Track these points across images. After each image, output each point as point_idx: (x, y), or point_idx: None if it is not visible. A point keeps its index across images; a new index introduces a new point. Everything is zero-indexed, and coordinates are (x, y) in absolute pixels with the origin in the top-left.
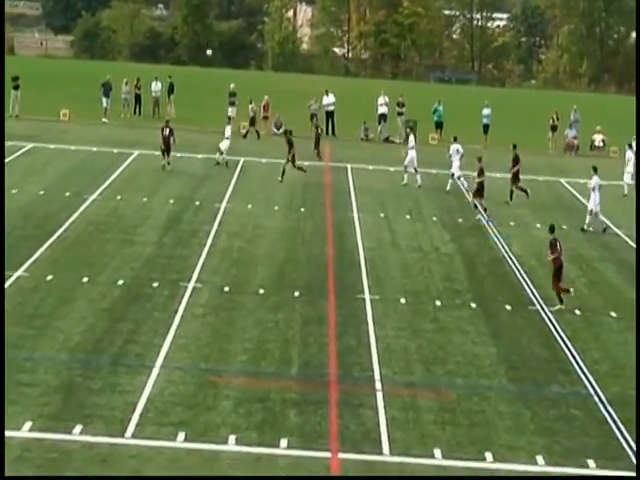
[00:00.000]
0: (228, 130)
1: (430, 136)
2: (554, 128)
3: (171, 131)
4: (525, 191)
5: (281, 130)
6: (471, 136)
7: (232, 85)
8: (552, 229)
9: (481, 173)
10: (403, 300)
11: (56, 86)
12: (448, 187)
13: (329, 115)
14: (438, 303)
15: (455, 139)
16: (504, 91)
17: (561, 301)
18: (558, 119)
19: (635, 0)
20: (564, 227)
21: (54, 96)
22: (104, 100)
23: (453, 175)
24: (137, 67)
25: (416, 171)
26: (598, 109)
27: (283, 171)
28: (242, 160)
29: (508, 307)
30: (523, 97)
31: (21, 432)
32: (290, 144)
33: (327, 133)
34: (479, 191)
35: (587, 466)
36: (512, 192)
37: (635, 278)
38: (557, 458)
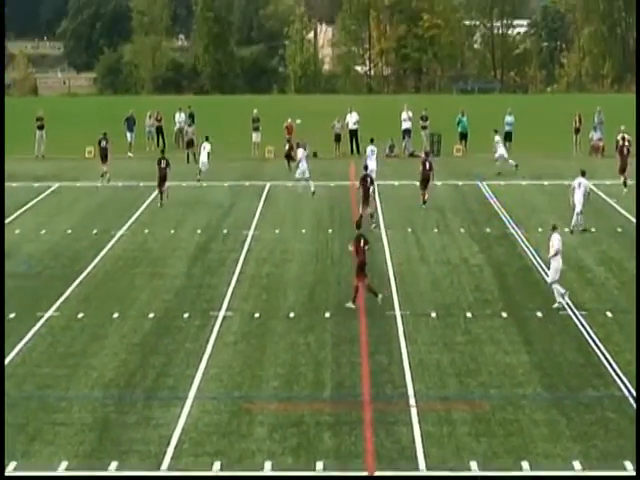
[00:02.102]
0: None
1: (455, 147)
2: (577, 131)
3: (167, 163)
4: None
5: (306, 152)
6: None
7: (255, 110)
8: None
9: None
10: (434, 314)
11: (80, 124)
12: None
13: (353, 134)
14: (469, 315)
15: (372, 141)
16: (527, 97)
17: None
18: (581, 122)
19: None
20: (593, 230)
21: (79, 134)
22: (128, 135)
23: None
24: (160, 99)
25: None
26: (622, 109)
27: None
28: (268, 185)
29: (539, 314)
30: (546, 102)
31: (57, 472)
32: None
33: (352, 152)
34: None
35: (624, 468)
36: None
37: None
38: (594, 462)
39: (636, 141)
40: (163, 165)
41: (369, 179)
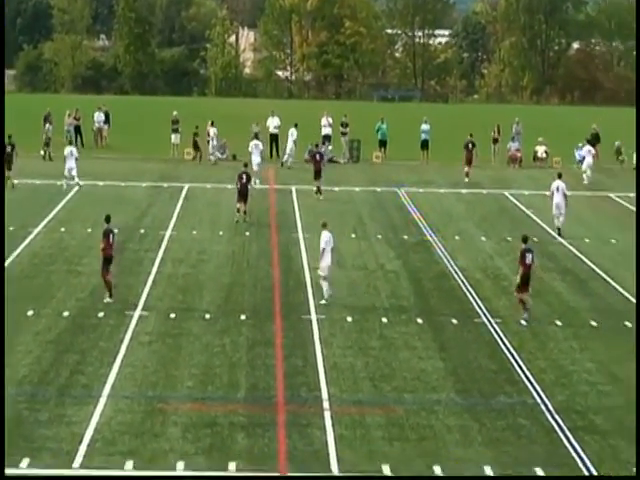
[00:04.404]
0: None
1: (374, 154)
2: (496, 141)
3: (13, 147)
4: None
5: (225, 155)
6: (415, 153)
7: (175, 112)
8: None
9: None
10: (349, 319)
11: None
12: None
13: (273, 138)
14: (384, 320)
15: (256, 136)
16: (447, 107)
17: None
18: (499, 132)
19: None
20: (509, 239)
21: None
22: (46, 132)
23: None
24: (80, 98)
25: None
26: (540, 121)
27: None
28: (186, 186)
29: (454, 321)
30: (466, 112)
31: None
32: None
33: (271, 156)
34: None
35: (535, 474)
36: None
37: (583, 290)
38: (505, 468)
39: (636, 148)
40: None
41: (245, 176)
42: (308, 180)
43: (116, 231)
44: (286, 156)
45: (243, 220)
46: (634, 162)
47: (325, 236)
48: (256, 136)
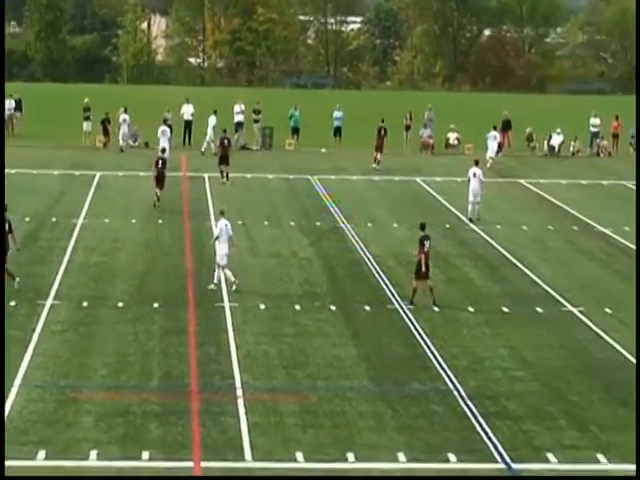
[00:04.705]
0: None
1: (287, 142)
2: (408, 128)
3: None
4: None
5: (137, 142)
6: (327, 139)
7: (86, 99)
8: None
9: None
10: (262, 306)
11: None
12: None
13: (187, 125)
14: (298, 307)
15: (165, 121)
16: (360, 94)
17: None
18: (411, 119)
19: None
20: None
21: None
22: None
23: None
24: None
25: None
26: (452, 107)
27: None
28: (98, 174)
29: (367, 307)
30: (378, 99)
31: None
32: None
33: (184, 143)
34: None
35: (448, 460)
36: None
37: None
38: (418, 454)
39: (636, 140)
40: None
41: (161, 161)
42: (213, 168)
43: (12, 219)
44: (205, 144)
45: (154, 206)
46: (545, 148)
47: (221, 224)
48: (164, 122)
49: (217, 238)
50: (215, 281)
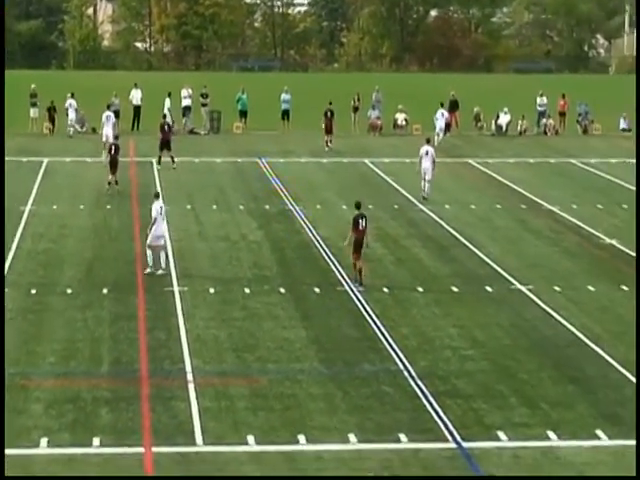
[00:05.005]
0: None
1: (235, 125)
2: (356, 109)
3: None
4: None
5: (85, 128)
6: (275, 122)
7: (33, 86)
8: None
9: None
10: (212, 290)
11: None
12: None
13: (136, 110)
14: (247, 290)
15: (108, 107)
16: (307, 76)
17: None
18: (359, 100)
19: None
20: (370, 207)
21: None
22: None
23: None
24: None
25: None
26: (400, 88)
27: None
28: (46, 160)
29: (317, 290)
30: (326, 81)
31: None
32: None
33: (132, 128)
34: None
35: (399, 440)
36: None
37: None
38: (369, 435)
39: (636, 133)
40: None
41: (114, 147)
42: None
43: None
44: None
45: (107, 191)
46: (492, 128)
47: (156, 206)
48: (108, 107)
49: (155, 221)
50: (163, 266)
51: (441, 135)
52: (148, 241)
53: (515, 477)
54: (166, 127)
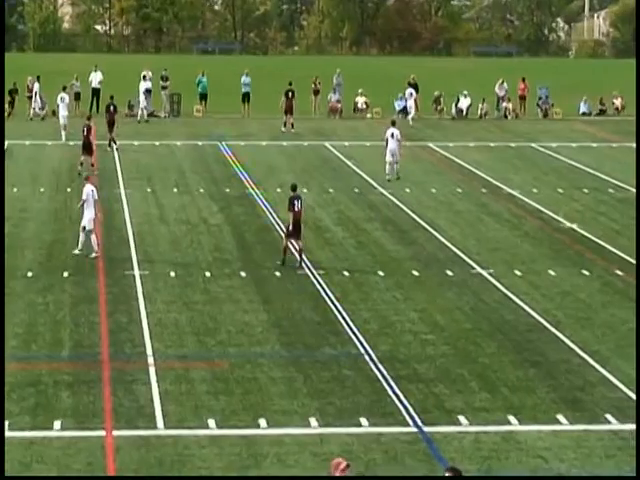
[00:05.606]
0: None
1: (195, 108)
2: (316, 92)
3: None
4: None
5: (45, 111)
6: (235, 105)
7: None
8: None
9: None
10: (173, 273)
11: None
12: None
13: (95, 93)
14: (208, 274)
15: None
16: (267, 59)
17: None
18: (320, 83)
19: None
20: (330, 190)
21: None
22: None
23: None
24: None
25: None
26: (360, 72)
27: None
28: (5, 143)
29: (277, 273)
30: (286, 64)
31: None
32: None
33: (90, 110)
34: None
35: (360, 424)
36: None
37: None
38: (330, 419)
39: (636, 125)
40: None
41: (86, 128)
42: (129, 135)
43: None
44: (140, 111)
45: (78, 174)
46: (452, 111)
47: (87, 189)
48: (63, 89)
49: (84, 203)
50: (80, 247)
51: (412, 112)
52: (89, 226)
53: (517, 477)
54: (112, 108)
